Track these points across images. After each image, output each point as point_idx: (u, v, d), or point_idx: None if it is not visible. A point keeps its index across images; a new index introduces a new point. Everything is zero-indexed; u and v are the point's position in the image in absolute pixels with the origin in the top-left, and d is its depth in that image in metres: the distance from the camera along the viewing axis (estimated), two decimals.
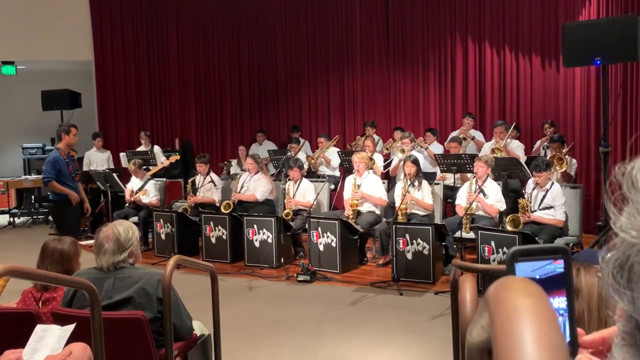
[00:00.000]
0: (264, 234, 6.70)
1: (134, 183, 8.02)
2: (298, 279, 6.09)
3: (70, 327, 2.11)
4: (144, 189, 7.84)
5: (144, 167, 8.23)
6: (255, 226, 6.75)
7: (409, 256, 5.91)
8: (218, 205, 7.67)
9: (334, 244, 6.31)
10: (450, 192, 7.04)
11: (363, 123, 9.88)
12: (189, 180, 7.95)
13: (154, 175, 8.31)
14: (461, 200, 6.31)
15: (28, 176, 11.23)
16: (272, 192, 7.51)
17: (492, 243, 5.34)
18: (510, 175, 6.62)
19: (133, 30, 11.25)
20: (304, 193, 7.21)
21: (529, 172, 6.15)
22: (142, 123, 11.25)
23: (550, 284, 0.66)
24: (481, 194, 6.06)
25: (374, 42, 10.34)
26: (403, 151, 7.55)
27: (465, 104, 9.56)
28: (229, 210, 7.21)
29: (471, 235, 5.82)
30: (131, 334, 2.59)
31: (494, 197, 6.10)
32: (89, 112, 11.08)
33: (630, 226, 0.54)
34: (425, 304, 5.30)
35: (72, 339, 2.05)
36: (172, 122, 11.58)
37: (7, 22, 10.47)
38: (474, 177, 6.25)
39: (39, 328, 2.09)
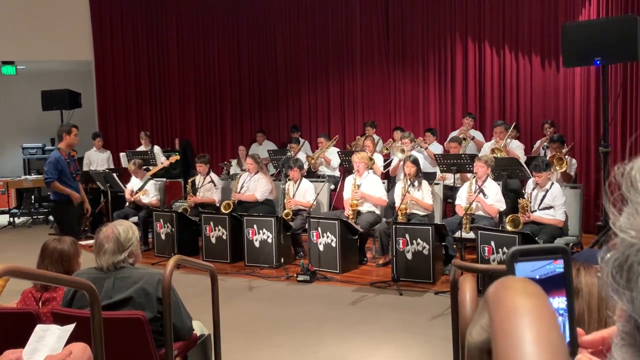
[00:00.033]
0: (263, 234, 6.70)
1: (134, 183, 8.02)
2: (298, 279, 6.09)
3: (70, 327, 2.11)
4: (144, 189, 7.84)
5: (144, 167, 8.24)
6: (255, 226, 6.75)
7: (409, 256, 5.91)
8: (218, 205, 7.67)
9: (333, 244, 6.31)
10: (450, 192, 7.04)
11: (363, 123, 9.88)
12: (189, 180, 7.95)
13: (154, 175, 8.31)
14: (461, 200, 6.31)
15: (28, 176, 11.24)
16: (272, 192, 7.52)
17: (492, 243, 5.34)
18: (510, 175, 6.62)
19: (133, 30, 11.25)
20: (304, 193, 7.21)
21: (529, 172, 6.15)
22: (142, 123, 11.25)
23: (550, 284, 0.66)
24: (481, 194, 6.06)
25: (374, 42, 10.34)
26: (403, 151, 7.55)
27: (465, 104, 9.56)
28: (229, 210, 7.21)
29: (471, 235, 5.82)
30: (131, 334, 2.59)
31: (493, 197, 6.10)
32: (89, 112, 11.08)
33: (630, 226, 0.54)
34: (425, 304, 5.30)
35: (72, 339, 2.05)
36: (172, 122, 11.58)
37: (7, 22, 10.47)
38: (474, 177, 6.25)
39: (39, 328, 2.09)
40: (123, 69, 11.20)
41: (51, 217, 9.89)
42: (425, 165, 7.81)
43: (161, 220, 7.31)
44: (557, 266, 0.67)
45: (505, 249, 5.20)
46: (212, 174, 7.98)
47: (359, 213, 6.72)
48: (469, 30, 9.51)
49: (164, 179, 8.60)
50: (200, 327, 3.30)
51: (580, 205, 6.11)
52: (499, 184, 6.29)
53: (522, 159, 7.26)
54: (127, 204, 7.99)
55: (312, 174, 8.80)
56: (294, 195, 7.21)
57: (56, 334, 2.07)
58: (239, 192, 7.53)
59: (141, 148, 9.81)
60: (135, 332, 2.57)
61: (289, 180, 7.29)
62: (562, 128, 8.46)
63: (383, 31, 10.27)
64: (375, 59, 10.34)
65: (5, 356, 1.86)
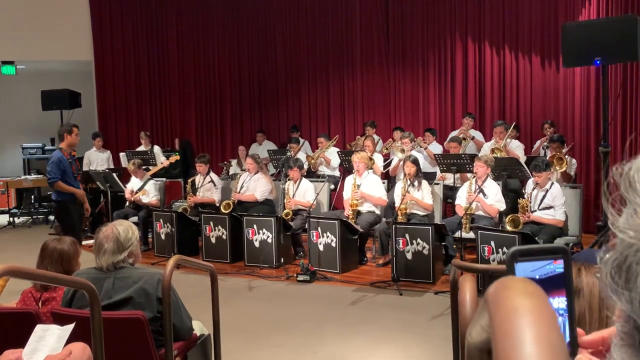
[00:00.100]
0: (263, 234, 6.70)
1: (134, 183, 8.02)
2: (298, 279, 6.09)
3: (70, 327, 2.11)
4: (143, 189, 7.84)
5: (144, 167, 8.24)
6: (255, 226, 6.75)
7: (409, 256, 5.91)
8: (218, 205, 7.67)
9: (333, 244, 6.31)
10: (450, 192, 7.04)
11: (363, 123, 9.88)
12: (189, 180, 7.95)
13: (153, 175, 8.31)
14: (461, 200, 6.31)
15: (28, 176, 11.23)
16: (271, 192, 7.52)
17: (492, 243, 5.34)
18: (510, 175, 6.62)
19: (133, 30, 11.25)
20: (304, 193, 7.21)
21: (529, 172, 6.14)
22: (142, 123, 11.25)
23: (550, 284, 0.66)
24: (481, 194, 6.06)
25: (374, 42, 10.34)
26: (403, 151, 7.55)
27: (465, 104, 9.56)
28: (229, 210, 7.21)
29: (471, 235, 5.82)
30: (131, 333, 2.59)
31: (493, 197, 6.10)
32: (89, 112, 11.07)
33: (628, 226, 0.54)
34: (425, 304, 5.30)
35: (72, 338, 2.05)
36: (172, 122, 11.58)
37: (7, 22, 10.47)
38: (474, 177, 6.25)
39: (38, 328, 2.09)
40: (123, 69, 11.20)
41: (51, 217, 9.89)
42: (425, 165, 7.81)
43: (161, 220, 7.31)
44: (557, 266, 0.67)
45: (505, 249, 5.20)
46: (212, 174, 7.98)
47: (358, 213, 6.72)
48: (469, 30, 9.51)
49: (164, 179, 8.60)
50: (200, 327, 3.30)
51: (580, 205, 6.11)
52: (498, 184, 6.29)
53: (522, 159, 7.26)
54: (127, 203, 7.99)
55: (312, 174, 8.80)
56: (293, 195, 7.21)
57: (56, 334, 2.07)
58: (239, 192, 7.53)
59: (141, 148, 9.81)
60: (135, 332, 2.57)
61: (289, 180, 7.29)
62: (562, 128, 8.46)
63: (383, 31, 10.26)
64: (375, 59, 10.34)
65: (5, 356, 1.87)
